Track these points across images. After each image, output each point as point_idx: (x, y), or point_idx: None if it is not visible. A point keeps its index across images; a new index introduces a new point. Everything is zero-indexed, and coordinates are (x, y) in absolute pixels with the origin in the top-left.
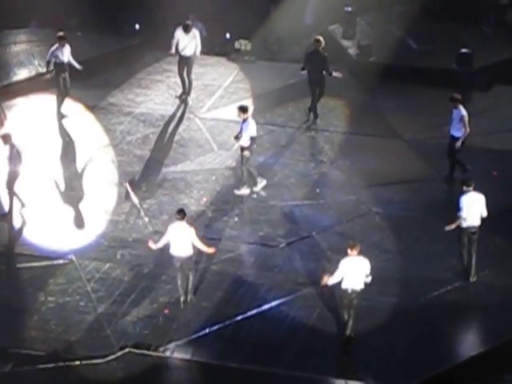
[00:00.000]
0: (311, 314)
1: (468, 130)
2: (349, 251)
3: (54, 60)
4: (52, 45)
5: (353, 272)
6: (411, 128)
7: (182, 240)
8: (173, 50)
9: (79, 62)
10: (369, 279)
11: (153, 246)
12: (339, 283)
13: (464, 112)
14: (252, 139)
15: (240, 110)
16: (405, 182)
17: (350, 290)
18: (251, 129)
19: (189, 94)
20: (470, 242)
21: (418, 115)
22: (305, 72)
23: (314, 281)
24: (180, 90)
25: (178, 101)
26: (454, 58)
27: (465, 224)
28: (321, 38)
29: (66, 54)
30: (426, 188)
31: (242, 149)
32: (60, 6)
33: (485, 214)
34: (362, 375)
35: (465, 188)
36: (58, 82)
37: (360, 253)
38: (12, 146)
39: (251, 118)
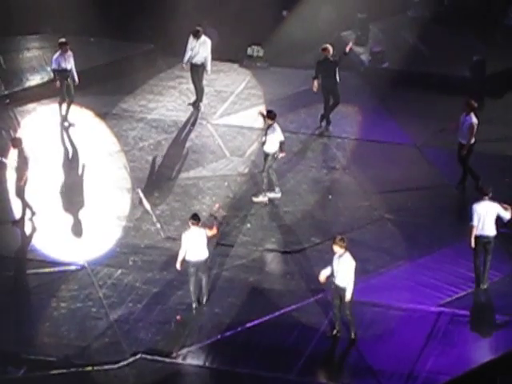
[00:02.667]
0: (323, 321)
1: (473, 139)
2: (337, 248)
3: (56, 67)
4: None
5: (337, 269)
6: (423, 134)
7: (198, 245)
8: (184, 61)
9: (91, 68)
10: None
11: (178, 266)
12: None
13: (474, 120)
14: (281, 143)
15: (268, 116)
16: (417, 188)
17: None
18: (278, 134)
19: (201, 100)
20: (486, 251)
21: (431, 122)
22: (316, 81)
23: (326, 287)
24: (193, 97)
25: (190, 107)
26: (466, 65)
27: (478, 233)
28: (328, 46)
29: (68, 61)
30: (438, 194)
31: (267, 155)
32: (73, 12)
33: (508, 217)
34: (374, 382)
35: (482, 196)
36: (62, 88)
37: (347, 249)
38: (21, 151)
39: (276, 124)
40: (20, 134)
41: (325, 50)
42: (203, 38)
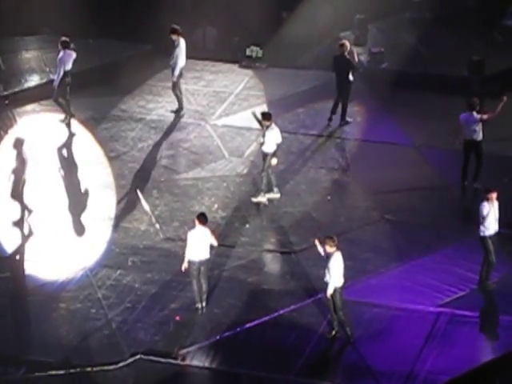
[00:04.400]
0: (322, 321)
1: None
2: (328, 247)
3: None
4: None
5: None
6: (422, 135)
7: (202, 245)
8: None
9: (90, 69)
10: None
11: (183, 267)
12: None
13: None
14: (277, 145)
15: (263, 117)
16: (416, 188)
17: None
18: (276, 135)
19: (180, 107)
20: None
21: (429, 122)
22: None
23: (325, 288)
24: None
25: (189, 107)
26: (465, 65)
27: (491, 232)
28: (346, 42)
29: (70, 60)
30: (437, 195)
31: (266, 155)
32: (71, 13)
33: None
34: (373, 382)
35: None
36: (64, 87)
37: (338, 248)
38: (20, 152)
39: (274, 125)
40: (19, 134)
41: (342, 45)
42: (179, 39)
